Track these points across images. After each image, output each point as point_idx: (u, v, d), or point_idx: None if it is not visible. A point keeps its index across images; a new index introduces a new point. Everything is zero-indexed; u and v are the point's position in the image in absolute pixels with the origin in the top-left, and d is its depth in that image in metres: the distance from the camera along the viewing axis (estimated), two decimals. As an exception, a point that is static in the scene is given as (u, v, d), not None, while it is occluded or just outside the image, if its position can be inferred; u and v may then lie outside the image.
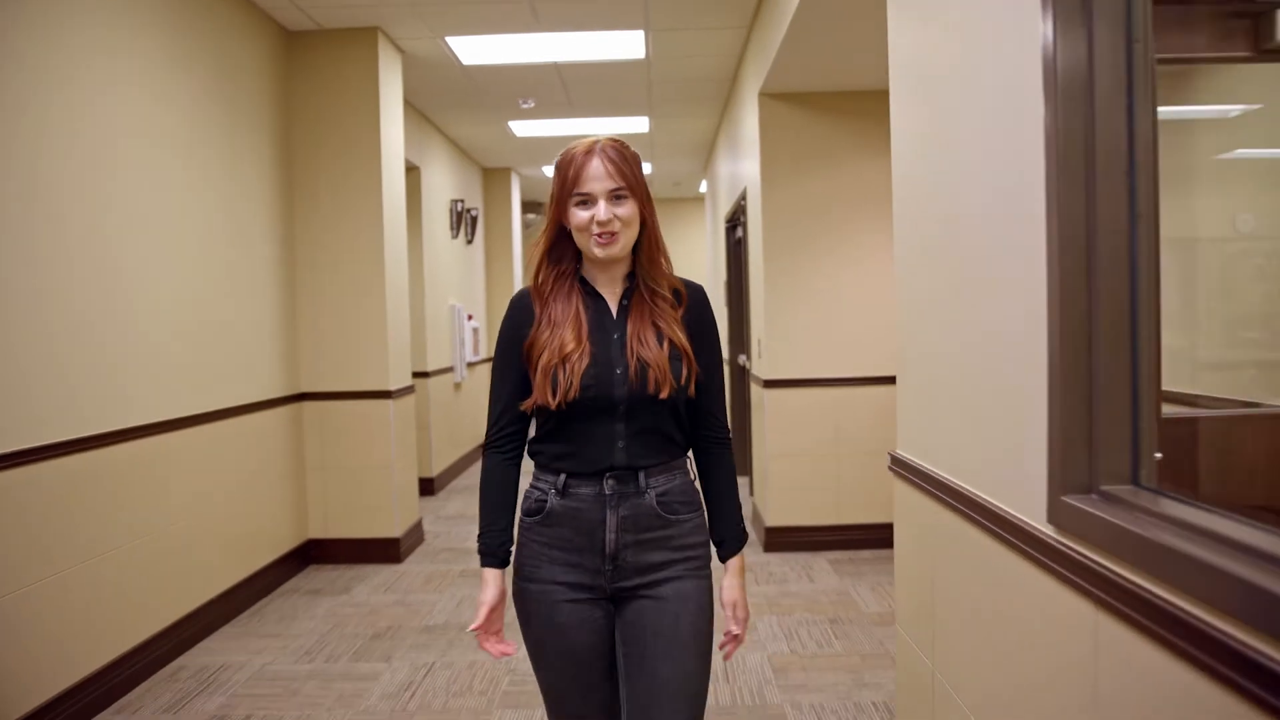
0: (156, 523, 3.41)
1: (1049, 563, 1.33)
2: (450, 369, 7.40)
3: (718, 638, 1.66)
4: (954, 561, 1.79)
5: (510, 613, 1.66)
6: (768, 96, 4.77)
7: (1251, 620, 0.88)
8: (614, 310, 1.64)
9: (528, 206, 10.51)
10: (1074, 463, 1.28)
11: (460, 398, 7.73)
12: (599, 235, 1.57)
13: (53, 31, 2.89)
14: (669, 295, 1.65)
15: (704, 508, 1.71)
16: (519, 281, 9.44)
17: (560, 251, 1.65)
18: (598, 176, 1.56)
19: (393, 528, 4.85)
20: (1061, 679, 1.31)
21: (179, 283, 3.63)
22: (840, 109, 4.77)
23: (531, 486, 1.67)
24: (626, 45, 5.12)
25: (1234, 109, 2.40)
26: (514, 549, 1.66)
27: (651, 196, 1.65)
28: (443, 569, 4.71)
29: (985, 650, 1.63)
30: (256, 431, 4.26)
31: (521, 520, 1.67)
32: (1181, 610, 0.98)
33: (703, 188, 10.22)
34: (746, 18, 4.75)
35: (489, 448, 1.69)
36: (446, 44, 5.01)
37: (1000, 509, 1.51)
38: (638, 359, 1.58)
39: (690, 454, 1.72)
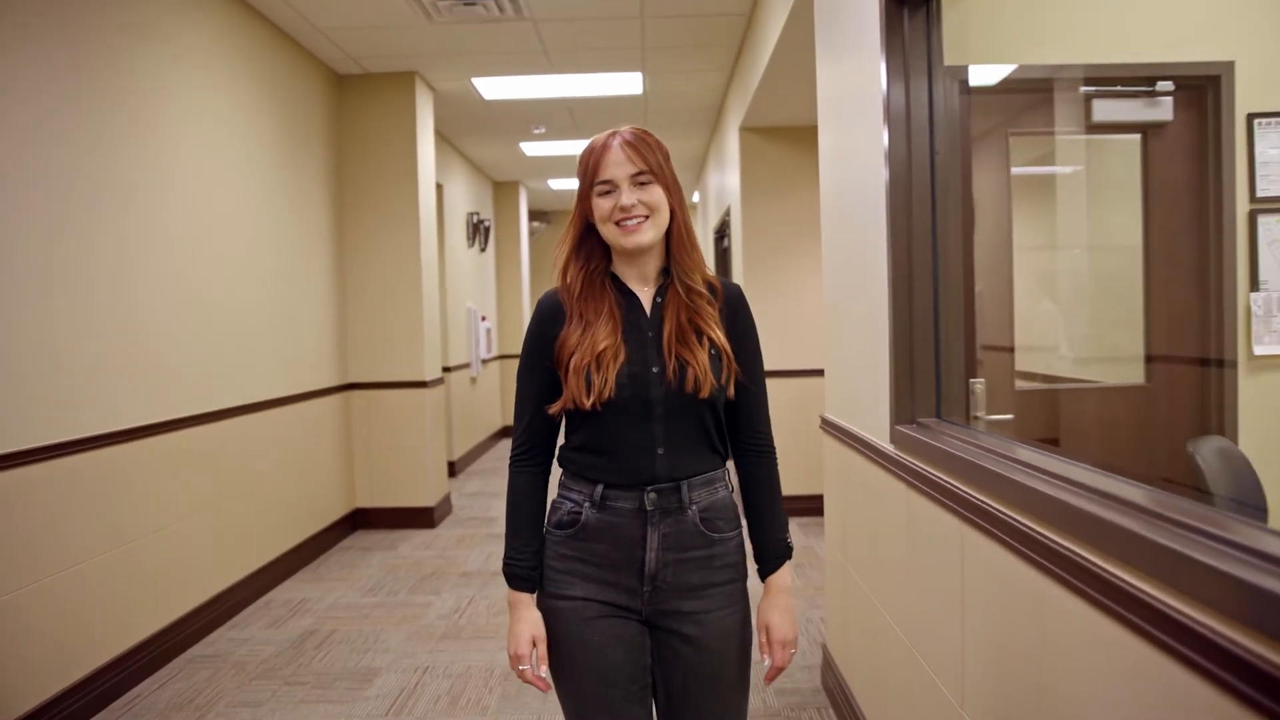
0: (244, 487, 4.24)
1: (890, 467, 2.16)
2: (467, 365, 8.23)
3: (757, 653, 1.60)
4: (852, 482, 2.63)
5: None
6: (747, 130, 5.61)
7: (974, 483, 1.70)
8: (648, 308, 1.55)
9: (534, 215, 11.34)
10: (902, 406, 2.12)
11: (476, 391, 8.56)
12: (623, 222, 1.48)
13: (174, 93, 3.72)
14: (705, 291, 1.55)
15: (741, 522, 1.60)
16: (527, 284, 10.27)
17: (589, 249, 1.56)
18: (618, 162, 1.48)
19: (427, 498, 5.68)
20: (900, 534, 2.15)
21: (260, 288, 4.46)
22: (808, 141, 5.60)
23: (561, 496, 1.56)
24: (626, 84, 5.95)
25: (1069, 169, 3.25)
26: (543, 564, 1.57)
27: (680, 186, 1.56)
28: (471, 532, 5.55)
29: (869, 537, 2.47)
30: (314, 415, 5.08)
31: (550, 533, 1.57)
32: (947, 483, 1.81)
33: (695, 198, 11.05)
34: (729, 63, 5.58)
35: (516, 462, 1.59)
36: (472, 84, 5.84)
37: (869, 439, 2.35)
38: (676, 358, 1.49)
39: (729, 464, 1.62)
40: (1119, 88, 3.00)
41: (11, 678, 2.65)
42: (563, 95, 6.16)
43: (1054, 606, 1.29)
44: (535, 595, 1.54)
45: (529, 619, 1.51)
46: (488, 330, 8.98)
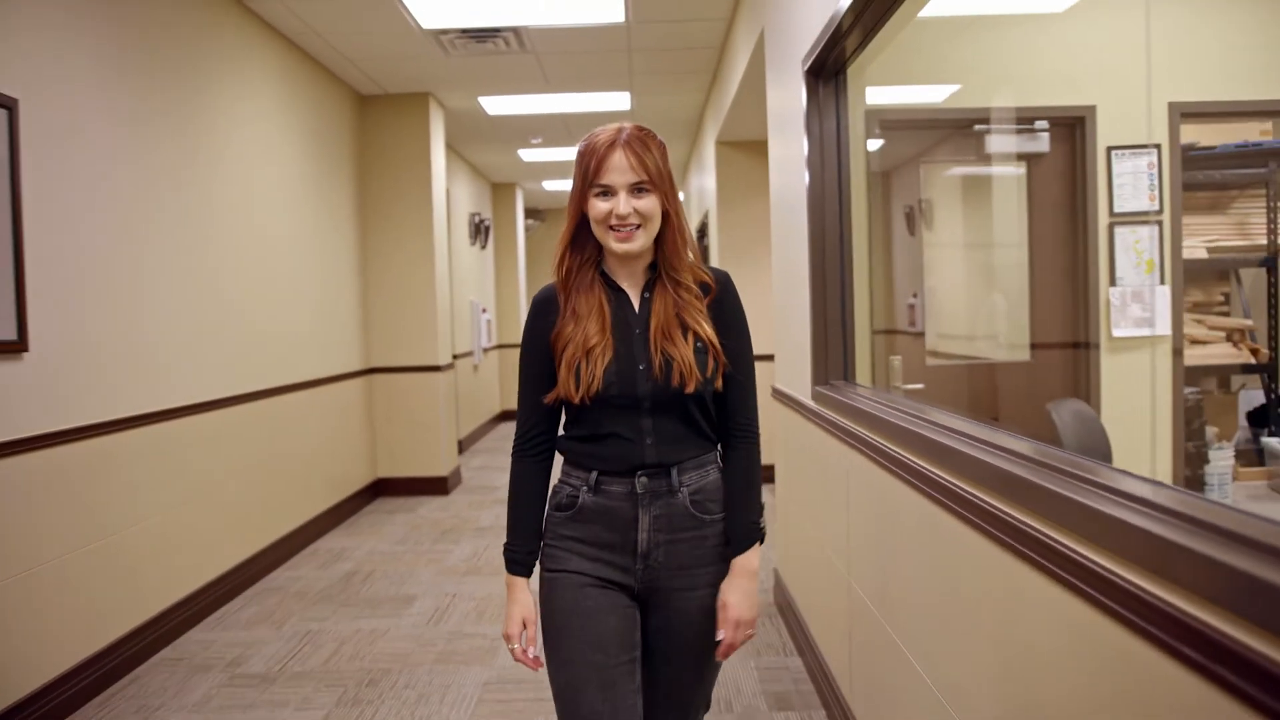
0: (290, 454, 4.99)
1: (812, 419, 2.93)
2: (470, 353, 8.98)
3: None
4: (791, 433, 3.40)
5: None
6: (722, 144, 6.37)
7: (858, 421, 2.47)
8: (636, 304, 1.60)
9: (529, 213, 12.08)
10: (819, 373, 2.89)
11: (478, 378, 9.32)
12: (617, 230, 1.52)
13: (234, 119, 4.45)
14: (694, 286, 1.59)
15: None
16: (523, 279, 11.02)
17: (583, 241, 1.59)
18: (619, 169, 1.50)
19: (441, 469, 6.44)
20: (815, 465, 2.92)
21: (298, 285, 5.20)
22: (776, 153, 6.37)
23: (561, 481, 1.64)
24: (616, 101, 6.69)
25: (971, 191, 4.02)
26: (543, 544, 1.65)
27: (676, 188, 1.59)
28: (480, 498, 6.31)
29: (799, 472, 3.24)
30: (343, 395, 5.82)
31: (551, 515, 1.64)
32: (847, 429, 2.57)
33: (680, 197, 11.82)
34: (705, 85, 6.33)
35: (518, 453, 1.65)
36: (478, 101, 6.58)
37: (799, 399, 3.13)
38: (662, 354, 1.53)
39: (719, 448, 1.67)
40: (1007, 126, 3.78)
41: (146, 580, 3.39)
42: (559, 111, 6.90)
43: (900, 497, 2.03)
44: (527, 580, 1.62)
45: (521, 601, 1.60)
46: (488, 321, 9.73)
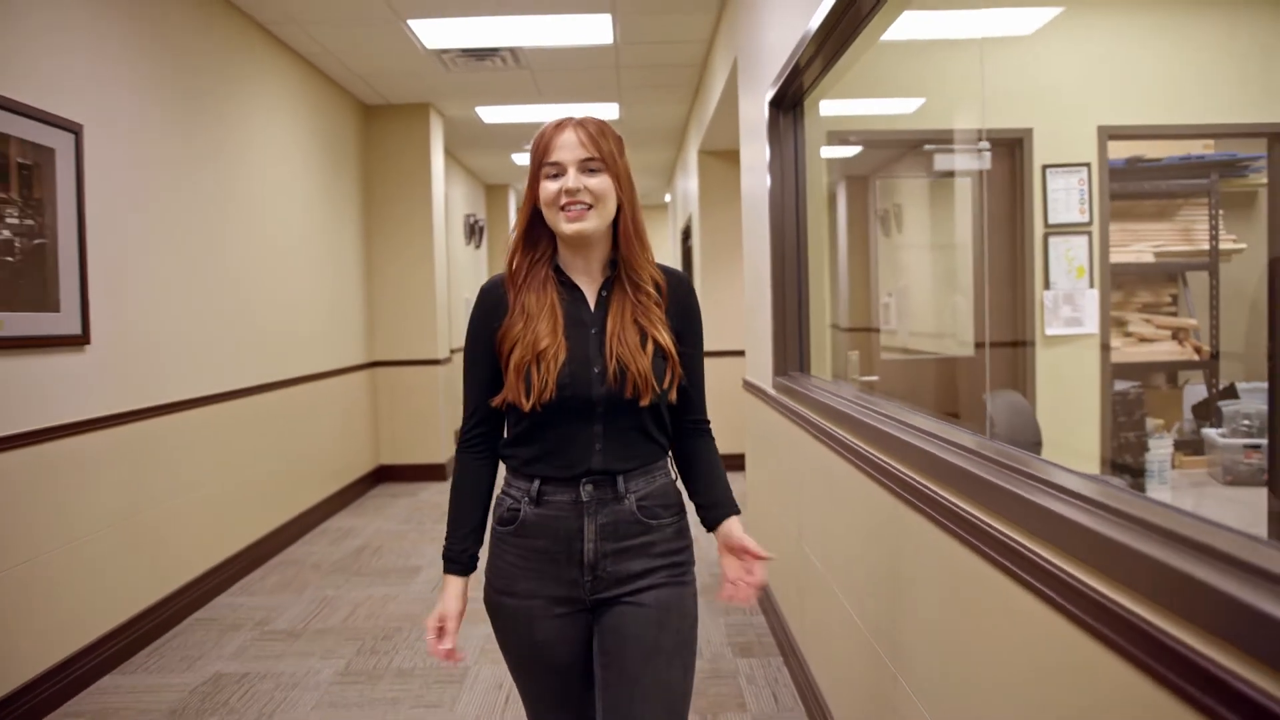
0: (301, 441, 5.39)
1: (773, 405, 3.37)
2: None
3: (703, 640, 1.64)
4: (757, 420, 3.84)
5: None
6: (704, 152, 6.80)
7: (809, 408, 2.91)
8: (591, 302, 1.53)
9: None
10: (779, 364, 3.32)
11: (472, 371, 9.73)
12: (566, 207, 1.45)
13: (253, 132, 4.86)
14: (652, 290, 1.53)
15: (684, 509, 1.61)
16: (515, 277, 11.42)
17: (536, 236, 1.53)
18: (568, 145, 1.46)
19: (440, 456, 6.85)
20: (777, 447, 3.36)
21: (309, 282, 5.60)
22: (755, 161, 6.81)
23: (503, 493, 1.57)
24: (606, 111, 7.10)
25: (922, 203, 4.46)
26: (487, 558, 1.59)
27: (632, 180, 1.53)
28: (476, 484, 6.72)
29: (765, 459, 3.68)
30: (349, 386, 6.23)
31: (494, 529, 1.58)
32: (799, 413, 3.00)
33: (666, 198, 12.24)
34: (689, 97, 6.76)
35: (461, 448, 1.60)
36: (475, 111, 6.98)
37: (763, 387, 3.56)
38: (617, 360, 1.47)
39: (670, 455, 1.63)
40: (953, 145, 4.22)
41: (181, 549, 3.80)
42: (551, 120, 7.30)
43: (840, 472, 2.43)
44: (463, 579, 1.58)
45: (447, 599, 1.56)
46: (482, 317, 10.14)
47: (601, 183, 1.46)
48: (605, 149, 1.47)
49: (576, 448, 1.50)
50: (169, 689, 3.09)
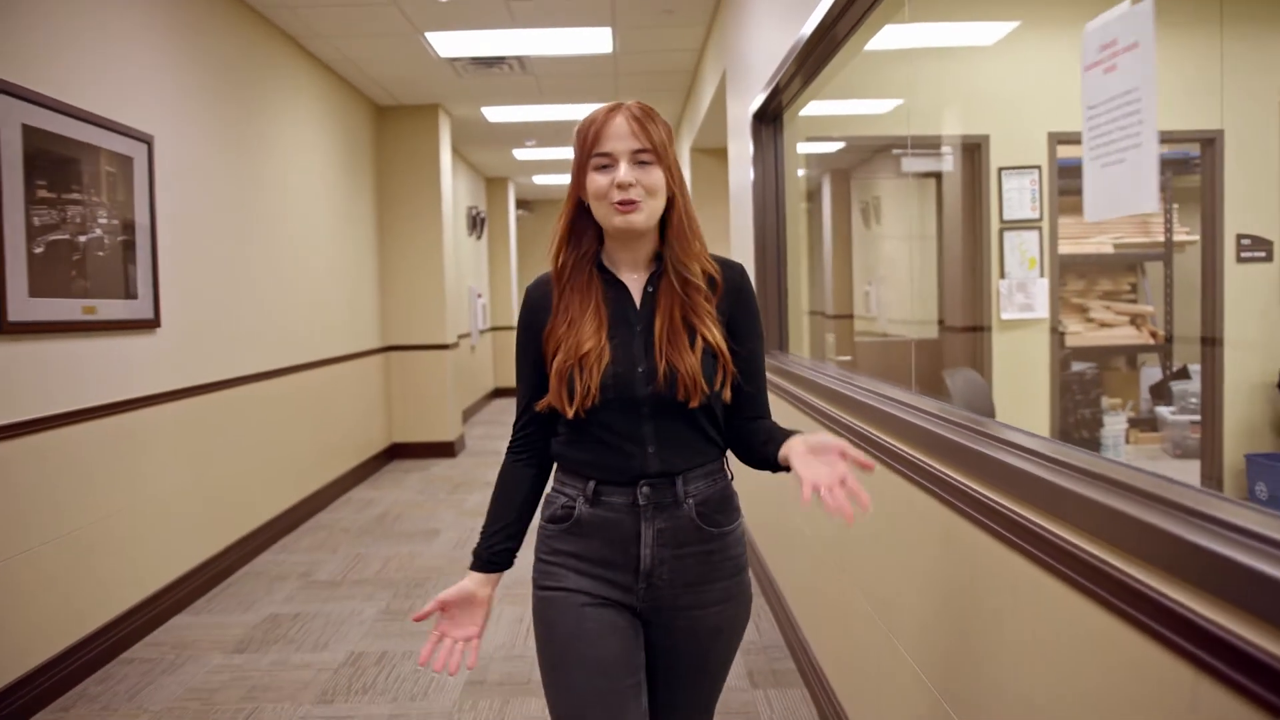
0: (322, 420, 5.86)
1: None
2: (469, 334, 9.85)
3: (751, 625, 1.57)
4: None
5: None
6: (695, 150, 7.27)
7: (789, 380, 3.40)
8: (637, 298, 1.46)
9: (519, 204, 12.92)
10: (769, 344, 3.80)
11: (474, 357, 10.19)
12: (619, 202, 1.36)
13: (286, 138, 5.31)
14: (702, 284, 1.44)
15: (741, 513, 1.54)
16: (515, 266, 11.88)
17: (580, 231, 1.47)
18: (620, 135, 1.37)
19: (449, 434, 7.33)
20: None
21: (330, 273, 6.06)
22: (743, 158, 7.28)
23: (556, 491, 1.51)
24: (602, 111, 7.56)
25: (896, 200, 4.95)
26: (535, 558, 1.51)
27: (682, 171, 1.46)
28: (484, 459, 7.21)
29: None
30: (365, 369, 6.69)
31: (544, 527, 1.51)
32: (781, 386, 3.49)
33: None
34: (682, 98, 7.22)
35: (510, 452, 1.55)
36: (481, 111, 7.43)
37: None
38: (666, 363, 1.39)
39: (728, 453, 1.54)
40: (919, 150, 4.70)
41: (233, 510, 4.27)
42: (552, 119, 7.78)
43: (809, 429, 2.95)
44: (482, 575, 1.48)
45: (459, 586, 1.48)
46: (483, 306, 10.60)
47: (653, 176, 1.39)
48: (658, 139, 1.39)
49: (629, 449, 1.42)
50: (233, 625, 3.58)
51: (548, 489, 1.54)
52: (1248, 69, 4.08)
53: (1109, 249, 4.89)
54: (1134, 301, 5.02)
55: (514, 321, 11.53)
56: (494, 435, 8.52)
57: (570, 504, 1.46)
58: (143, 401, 3.54)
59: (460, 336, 9.04)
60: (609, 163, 1.38)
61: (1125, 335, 4.99)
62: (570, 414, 1.40)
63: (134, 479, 3.48)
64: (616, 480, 1.43)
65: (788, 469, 1.35)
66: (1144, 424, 4.96)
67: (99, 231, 3.24)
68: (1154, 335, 4.87)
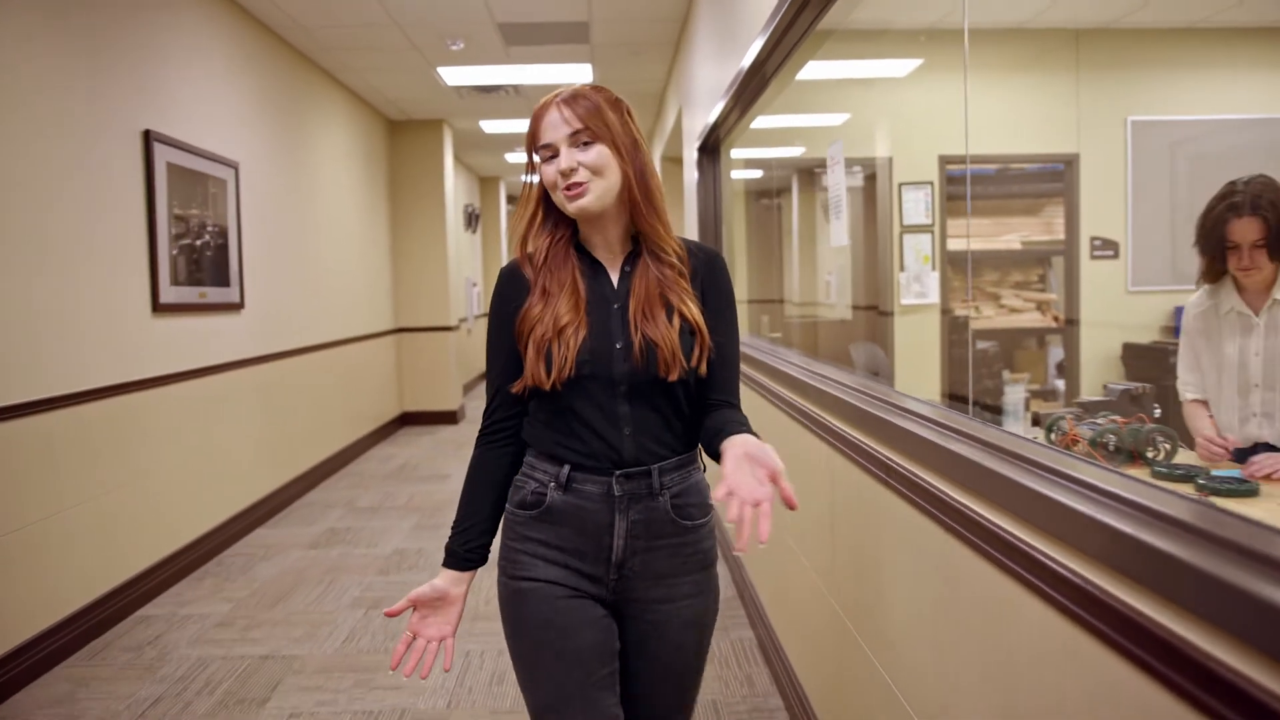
0: (348, 389, 7.00)
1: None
2: (465, 319, 10.99)
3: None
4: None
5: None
6: (666, 159, 8.42)
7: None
8: (615, 278, 1.45)
9: (511, 199, 14.04)
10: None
11: (470, 339, 11.34)
12: (565, 189, 1.37)
13: (323, 152, 6.43)
14: (676, 262, 1.44)
15: (712, 506, 1.47)
16: (505, 257, 13.00)
17: (555, 218, 1.46)
18: (554, 124, 1.37)
19: (452, 404, 8.48)
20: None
21: (352, 264, 7.19)
22: (706, 166, 8.42)
23: (525, 475, 1.46)
24: (585, 124, 8.70)
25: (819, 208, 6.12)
26: (502, 544, 1.47)
27: (639, 146, 1.41)
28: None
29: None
30: (380, 347, 7.82)
31: (512, 513, 1.46)
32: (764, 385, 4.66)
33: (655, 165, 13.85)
34: (654, 112, 8.37)
35: (480, 437, 1.50)
36: (479, 125, 8.56)
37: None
38: (643, 336, 1.38)
39: (700, 445, 1.49)
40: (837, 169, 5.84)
41: (296, 453, 5.40)
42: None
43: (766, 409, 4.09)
44: (459, 573, 1.47)
45: (432, 584, 1.46)
46: (477, 293, 11.74)
47: (597, 155, 1.37)
48: (594, 119, 1.37)
49: (604, 432, 1.40)
50: (303, 535, 4.73)
51: (518, 473, 1.49)
52: (1098, 103, 5.28)
53: (1018, 245, 6.04)
54: (1042, 291, 6.16)
55: (505, 308, 12.63)
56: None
57: (541, 489, 1.43)
58: (232, 365, 4.68)
59: (460, 320, 10.19)
60: (552, 153, 1.39)
61: (1031, 319, 6.09)
62: (548, 385, 1.38)
63: (228, 423, 4.62)
64: (591, 468, 1.41)
65: None
66: (1048, 395, 6.08)
67: (207, 237, 4.37)
68: (1056, 319, 6.00)
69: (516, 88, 6.97)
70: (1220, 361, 2.13)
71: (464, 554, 1.47)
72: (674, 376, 1.39)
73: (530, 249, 1.48)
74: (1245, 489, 1.68)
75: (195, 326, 4.26)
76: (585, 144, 1.37)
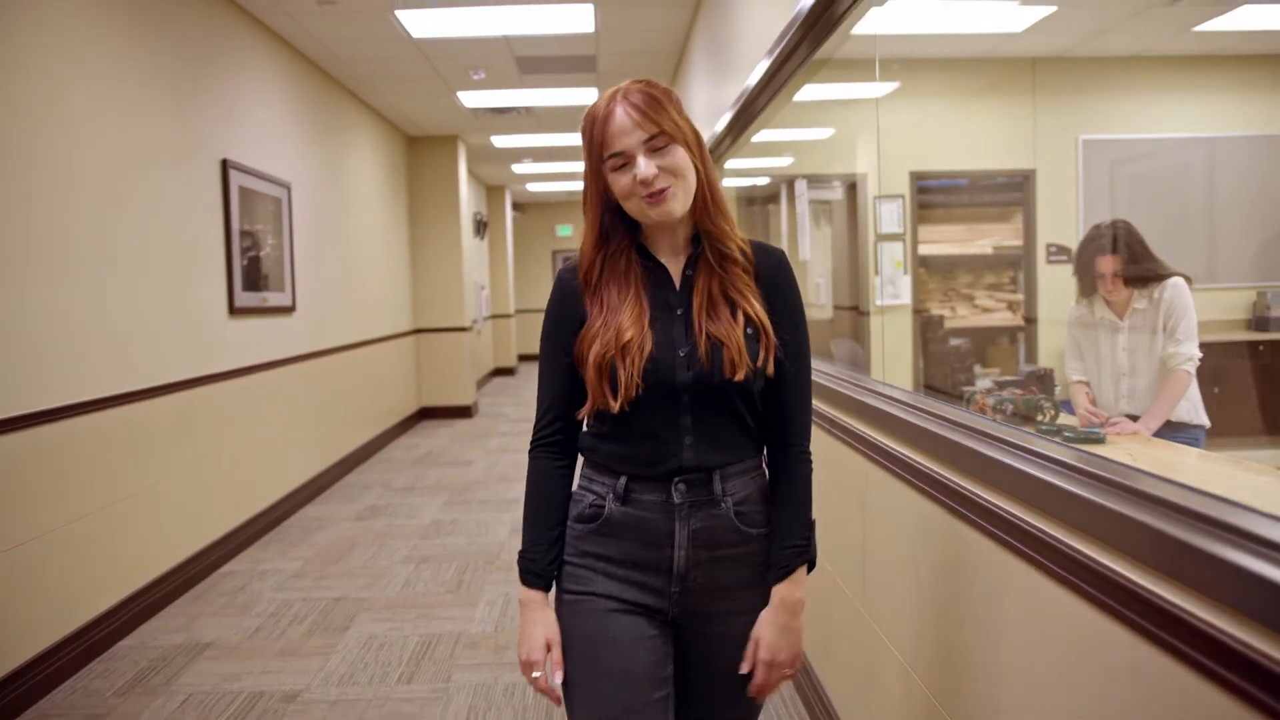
0: (378, 384, 7.65)
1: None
2: (476, 321, 11.64)
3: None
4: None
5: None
6: (663, 171, 9.07)
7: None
8: (677, 281, 1.38)
9: (515, 207, 14.70)
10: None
11: (479, 341, 11.99)
12: (648, 197, 1.28)
13: (356, 169, 7.09)
14: (740, 258, 1.37)
15: None
16: (512, 263, 13.65)
17: (608, 228, 1.37)
18: (625, 130, 1.27)
19: (467, 400, 9.14)
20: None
21: (378, 269, 7.84)
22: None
23: (582, 489, 1.41)
24: (588, 139, 9.35)
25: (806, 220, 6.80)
26: (562, 558, 1.41)
27: (702, 141, 1.34)
28: (495, 420, 9.02)
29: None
30: (402, 346, 8.47)
31: (571, 527, 1.41)
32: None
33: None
34: (652, 130, 9.01)
35: (535, 448, 1.44)
36: (490, 140, 9.21)
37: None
38: (708, 336, 1.31)
39: (764, 451, 1.43)
40: (817, 184, 6.51)
41: (340, 439, 6.04)
42: (548, 144, 9.57)
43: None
44: (547, 596, 1.40)
45: (543, 621, 1.38)
46: (486, 296, 12.39)
47: (675, 159, 1.29)
48: (666, 119, 1.28)
49: (665, 442, 1.34)
50: (348, 510, 5.38)
51: (573, 485, 1.45)
52: (1053, 124, 5.93)
53: (989, 250, 6.70)
54: (1014, 292, 6.80)
55: (511, 310, 13.37)
56: (500, 403, 10.34)
57: (599, 502, 1.38)
58: (287, 361, 5.33)
59: (472, 321, 10.84)
60: (625, 161, 1.29)
61: (1003, 318, 6.74)
62: (615, 408, 1.31)
63: (283, 412, 5.27)
64: (649, 476, 1.35)
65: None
66: (1020, 385, 6.67)
67: (268, 248, 5.02)
68: (1025, 319, 6.63)
69: (530, 110, 7.63)
70: (1098, 355, 2.81)
71: (547, 571, 1.41)
72: (740, 376, 1.31)
73: (587, 266, 1.39)
74: (1095, 437, 2.34)
75: (259, 327, 4.91)
76: (660, 148, 1.29)
